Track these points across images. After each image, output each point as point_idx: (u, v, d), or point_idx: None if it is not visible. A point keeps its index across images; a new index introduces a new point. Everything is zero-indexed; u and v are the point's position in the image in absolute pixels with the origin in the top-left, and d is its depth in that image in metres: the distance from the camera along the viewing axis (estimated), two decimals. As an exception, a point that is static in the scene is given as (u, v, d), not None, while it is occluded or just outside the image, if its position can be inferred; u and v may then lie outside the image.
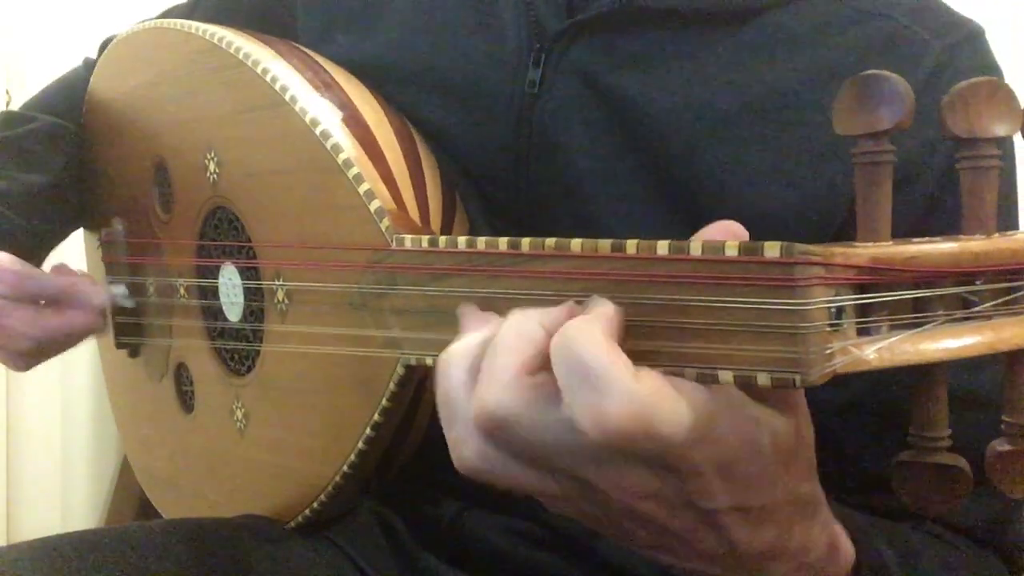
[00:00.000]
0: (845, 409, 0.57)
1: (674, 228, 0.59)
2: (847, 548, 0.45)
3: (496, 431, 0.37)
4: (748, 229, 0.41)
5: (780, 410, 0.38)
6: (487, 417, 0.36)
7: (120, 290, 0.79)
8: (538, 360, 0.37)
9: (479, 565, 0.67)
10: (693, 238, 0.38)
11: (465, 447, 0.38)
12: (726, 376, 0.36)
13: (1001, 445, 0.37)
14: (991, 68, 0.60)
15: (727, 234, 0.39)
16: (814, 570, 0.43)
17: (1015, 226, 0.61)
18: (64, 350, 0.75)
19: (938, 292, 0.36)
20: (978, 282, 0.35)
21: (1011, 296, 0.36)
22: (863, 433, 0.58)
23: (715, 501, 0.37)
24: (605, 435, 0.34)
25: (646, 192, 0.60)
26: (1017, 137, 0.38)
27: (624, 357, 0.35)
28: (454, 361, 0.39)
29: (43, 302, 0.73)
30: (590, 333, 0.35)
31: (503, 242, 0.44)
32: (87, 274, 0.80)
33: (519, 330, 0.38)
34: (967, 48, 0.59)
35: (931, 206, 0.57)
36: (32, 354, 0.73)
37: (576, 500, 0.39)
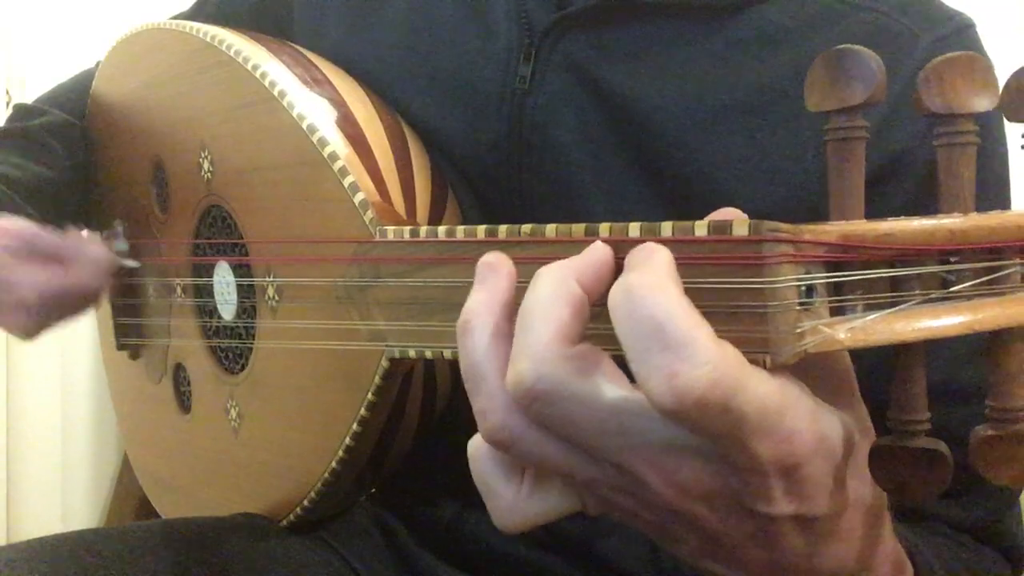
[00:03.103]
0: None
1: None
2: (909, 568, 0.41)
3: (535, 404, 0.33)
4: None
5: (842, 406, 0.35)
6: (524, 392, 0.33)
7: (122, 245, 0.78)
8: (579, 325, 0.34)
9: (479, 566, 0.66)
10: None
11: (492, 417, 0.35)
12: (697, 358, 0.35)
13: (984, 430, 0.36)
14: None
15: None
16: None
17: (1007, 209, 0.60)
18: (67, 314, 0.74)
19: (915, 271, 0.35)
20: (953, 260, 0.34)
21: (991, 276, 0.35)
22: None
23: (774, 506, 0.34)
24: (684, 405, 0.30)
25: (638, 187, 0.59)
26: (1011, 126, 0.37)
27: (702, 318, 0.31)
28: (476, 324, 0.36)
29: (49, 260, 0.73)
30: (662, 290, 0.31)
31: (481, 230, 0.44)
32: (91, 235, 0.80)
33: (555, 292, 0.34)
34: (956, 41, 0.58)
35: (922, 198, 0.56)
36: (35, 312, 0.72)
37: (618, 493, 0.36)
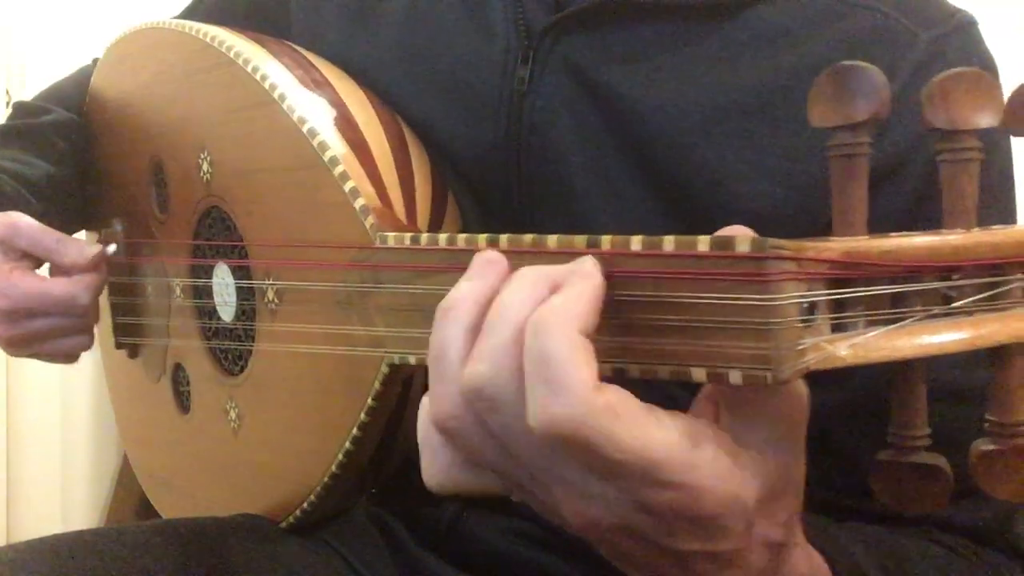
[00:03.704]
0: (844, 410, 0.56)
1: (667, 226, 0.59)
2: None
3: (480, 405, 0.36)
4: (742, 223, 0.40)
5: (783, 449, 0.37)
6: (475, 392, 0.36)
7: (111, 248, 0.76)
8: None
9: (479, 566, 0.66)
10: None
11: (444, 404, 0.37)
12: (699, 373, 0.35)
13: (984, 444, 0.36)
14: (983, 59, 0.59)
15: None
16: None
17: (1012, 223, 0.59)
18: (51, 334, 0.73)
19: (917, 287, 0.35)
20: (955, 276, 0.34)
21: (993, 292, 0.35)
22: (863, 435, 0.57)
23: (680, 543, 0.36)
24: (550, 435, 0.33)
25: (637, 189, 0.59)
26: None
27: (590, 360, 0.34)
28: (454, 316, 0.37)
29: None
30: (561, 324, 0.34)
31: (482, 239, 0.44)
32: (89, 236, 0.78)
33: (523, 301, 0.36)
34: (956, 39, 0.58)
35: (920, 199, 0.56)
36: (11, 319, 0.70)
37: (539, 502, 0.38)
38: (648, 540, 0.36)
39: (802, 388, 0.37)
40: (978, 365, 0.53)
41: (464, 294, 0.38)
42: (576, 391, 0.33)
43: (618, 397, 0.34)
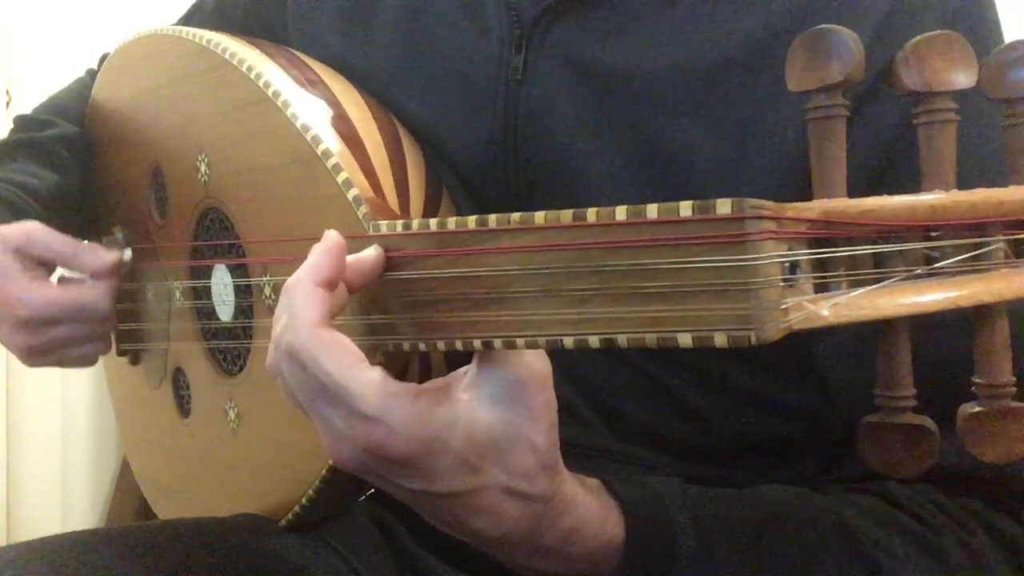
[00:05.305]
0: (840, 352, 0.55)
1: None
2: (602, 533, 0.47)
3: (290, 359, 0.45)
4: (741, 194, 0.40)
5: (506, 408, 0.43)
6: (282, 352, 0.46)
7: (127, 253, 0.77)
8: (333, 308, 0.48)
9: (479, 566, 0.66)
10: None
11: (271, 358, 0.47)
12: (685, 339, 0.36)
13: (971, 407, 0.37)
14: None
15: None
16: (555, 553, 0.47)
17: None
18: (70, 342, 0.74)
19: (898, 247, 0.35)
20: (935, 235, 0.34)
21: (974, 253, 0.36)
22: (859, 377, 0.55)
23: (405, 482, 0.44)
24: (280, 356, 0.45)
25: (635, 167, 0.58)
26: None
27: (318, 305, 0.44)
28: (285, 293, 0.46)
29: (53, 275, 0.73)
30: (299, 280, 0.45)
31: (472, 220, 0.44)
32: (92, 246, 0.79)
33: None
34: None
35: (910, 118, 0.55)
36: (31, 328, 0.72)
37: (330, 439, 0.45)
38: (384, 478, 0.44)
39: (541, 366, 0.44)
40: (967, 335, 0.53)
41: (296, 274, 0.46)
42: (300, 326, 0.44)
43: (333, 336, 0.44)
